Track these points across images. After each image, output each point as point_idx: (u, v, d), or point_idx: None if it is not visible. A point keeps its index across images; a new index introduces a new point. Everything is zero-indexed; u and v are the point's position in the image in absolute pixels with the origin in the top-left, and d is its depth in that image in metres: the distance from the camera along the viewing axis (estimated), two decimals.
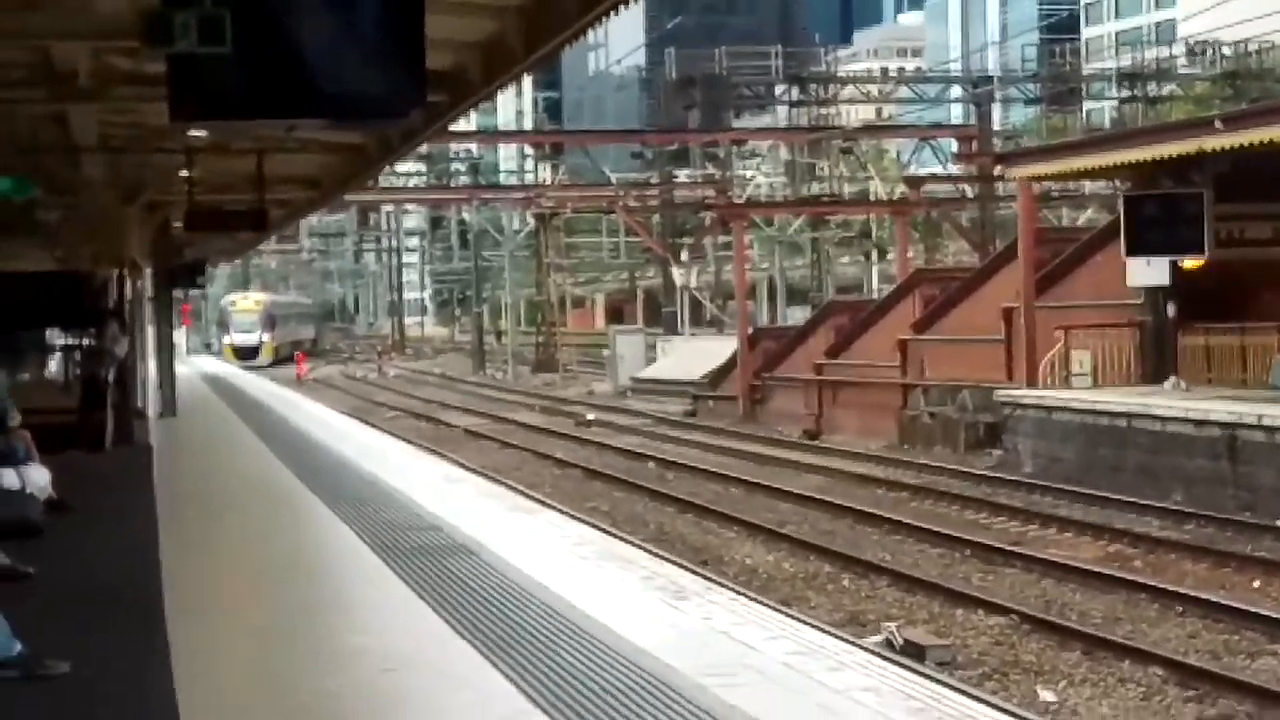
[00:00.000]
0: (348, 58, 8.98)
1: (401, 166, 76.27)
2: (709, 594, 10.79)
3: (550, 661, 8.65)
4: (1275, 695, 13.67)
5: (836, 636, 9.95)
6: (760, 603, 11.20)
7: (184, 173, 22.19)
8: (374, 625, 9.92)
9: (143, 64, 14.69)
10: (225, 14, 8.29)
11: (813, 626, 10.33)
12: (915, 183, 60.70)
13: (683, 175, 75.41)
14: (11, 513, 12.82)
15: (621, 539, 14.69)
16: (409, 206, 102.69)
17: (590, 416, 46.64)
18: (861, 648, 9.63)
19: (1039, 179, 35.96)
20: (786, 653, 8.83)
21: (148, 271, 33.20)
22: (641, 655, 8.75)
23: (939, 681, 8.70)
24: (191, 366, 55.34)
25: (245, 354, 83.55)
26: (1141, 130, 37.13)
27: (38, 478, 13.93)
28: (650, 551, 13.72)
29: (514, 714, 7.76)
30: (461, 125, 59.87)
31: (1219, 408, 25.62)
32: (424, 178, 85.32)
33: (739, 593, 11.63)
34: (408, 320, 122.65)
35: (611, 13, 11.65)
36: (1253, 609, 17.16)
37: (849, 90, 74.18)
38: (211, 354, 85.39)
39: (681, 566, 12.68)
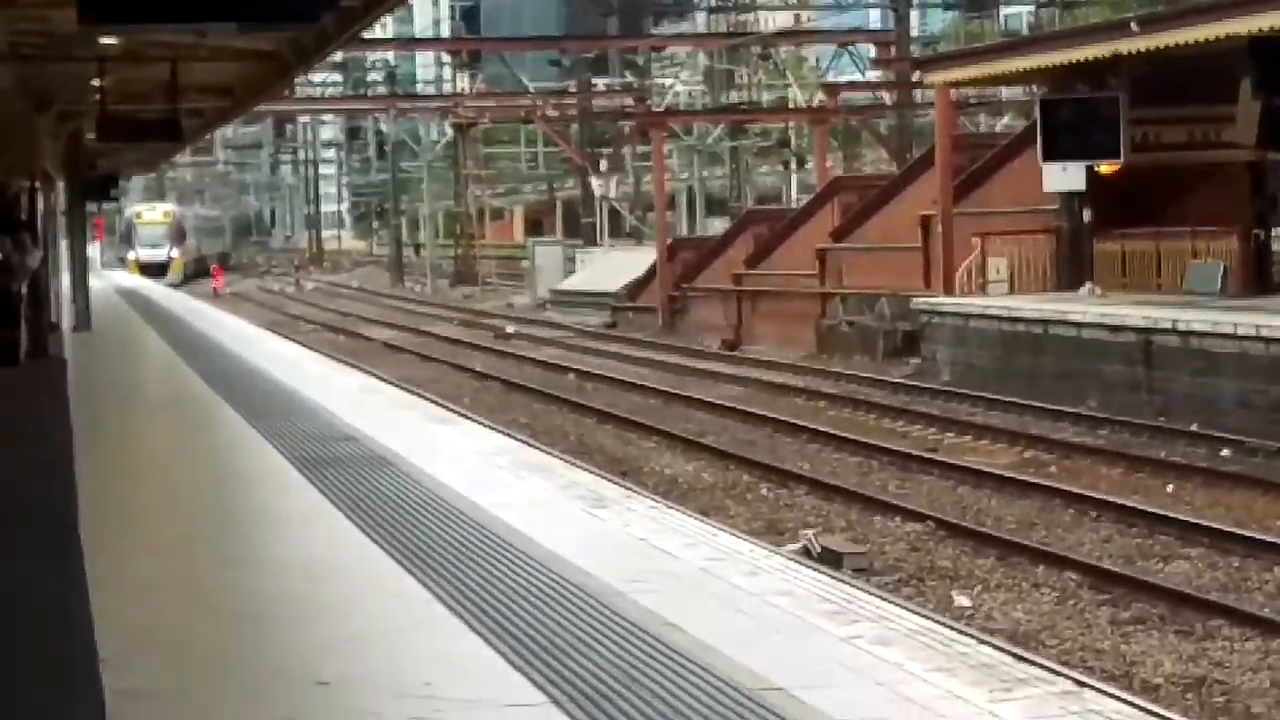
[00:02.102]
0: None
1: (317, 76, 75.61)
2: (628, 502, 10.80)
3: (468, 568, 8.64)
4: (1187, 598, 13.82)
5: (754, 543, 9.96)
6: (679, 511, 11.21)
7: (96, 81, 21.83)
8: (293, 536, 9.89)
9: None
10: None
11: (731, 534, 10.35)
12: (834, 90, 60.59)
13: (601, 84, 75.03)
14: None
15: (541, 450, 14.65)
16: (326, 118, 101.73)
17: (510, 329, 46.57)
18: (779, 554, 9.65)
19: (956, 84, 35.94)
20: (704, 559, 8.85)
21: (60, 185, 32.82)
22: (558, 562, 8.76)
23: (854, 585, 8.73)
24: (106, 281, 54.87)
25: (152, 271, 77.05)
26: (1058, 34, 37.16)
27: None
28: (570, 461, 13.69)
29: (432, 618, 7.76)
30: (377, 33, 59.44)
31: (1134, 313, 25.80)
32: (340, 88, 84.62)
33: (658, 501, 11.62)
34: (325, 233, 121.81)
35: None
36: (1166, 513, 17.33)
37: None
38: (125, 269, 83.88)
39: (601, 476, 12.67)
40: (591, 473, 12.85)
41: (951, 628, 7.75)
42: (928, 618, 7.88)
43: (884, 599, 8.46)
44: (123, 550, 9.52)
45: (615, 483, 12.41)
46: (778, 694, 6.46)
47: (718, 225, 70.34)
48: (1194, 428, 22.77)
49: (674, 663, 6.89)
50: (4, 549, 9.30)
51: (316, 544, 9.57)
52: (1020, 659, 7.16)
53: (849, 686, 6.59)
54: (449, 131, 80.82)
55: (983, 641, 7.41)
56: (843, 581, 8.92)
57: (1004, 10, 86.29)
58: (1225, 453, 21.29)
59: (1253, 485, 19.08)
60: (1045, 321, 27.64)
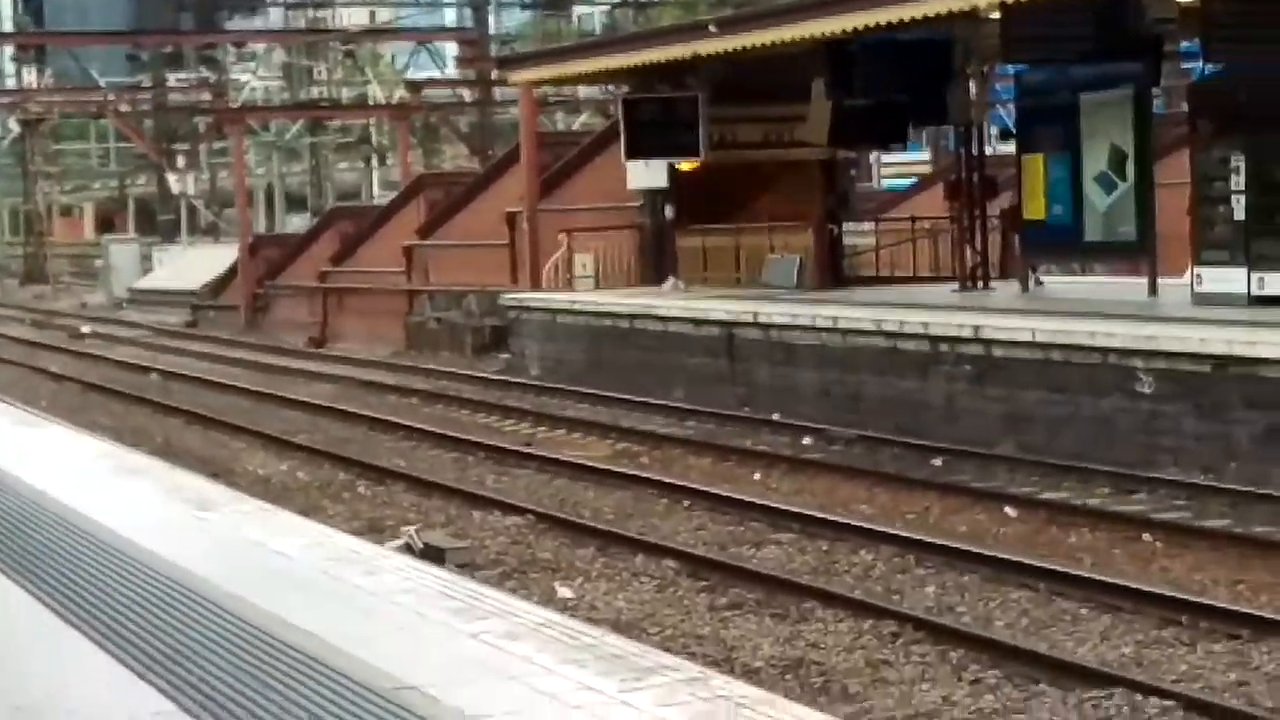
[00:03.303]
0: None
1: None
2: (237, 504, 10.65)
3: (76, 577, 8.41)
4: (781, 582, 14.25)
5: (370, 544, 9.93)
6: (291, 513, 11.10)
7: None
8: None
9: None
10: None
11: (347, 534, 10.30)
12: (416, 87, 60.64)
13: (176, 79, 73.43)
14: None
15: (141, 453, 14.31)
16: None
17: (85, 329, 45.29)
18: (398, 554, 9.64)
19: (540, 83, 36.36)
20: (322, 559, 8.79)
21: None
22: (172, 568, 8.59)
23: (477, 582, 8.79)
24: None
25: None
26: (639, 34, 37.88)
27: None
28: (172, 464, 13.41)
29: (45, 631, 7.52)
30: None
31: (716, 306, 26.48)
32: None
33: (268, 504, 11.48)
34: None
35: None
36: (755, 500, 17.86)
37: None
38: None
39: (209, 478, 12.45)
40: (196, 475, 12.61)
41: (577, 620, 7.87)
42: (557, 612, 7.98)
43: (507, 595, 8.54)
44: None
45: (221, 485, 12.21)
46: (412, 693, 6.47)
47: (297, 222, 69.68)
48: (776, 417, 23.50)
49: (305, 665, 6.84)
50: None
51: None
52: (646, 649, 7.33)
53: (483, 682, 6.64)
54: (15, 127, 78.00)
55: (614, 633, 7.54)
56: (464, 578, 8.97)
57: (578, 10, 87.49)
58: (807, 441, 22.02)
59: (834, 472, 19.80)
60: (631, 316, 28.17)
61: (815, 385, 23.75)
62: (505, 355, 32.29)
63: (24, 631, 7.57)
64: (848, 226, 31.53)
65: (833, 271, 29.45)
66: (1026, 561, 14.34)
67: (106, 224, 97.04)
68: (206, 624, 7.53)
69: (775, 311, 25.09)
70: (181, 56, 74.77)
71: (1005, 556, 14.61)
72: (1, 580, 8.43)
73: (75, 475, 11.79)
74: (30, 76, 71.34)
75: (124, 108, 69.08)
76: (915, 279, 29.55)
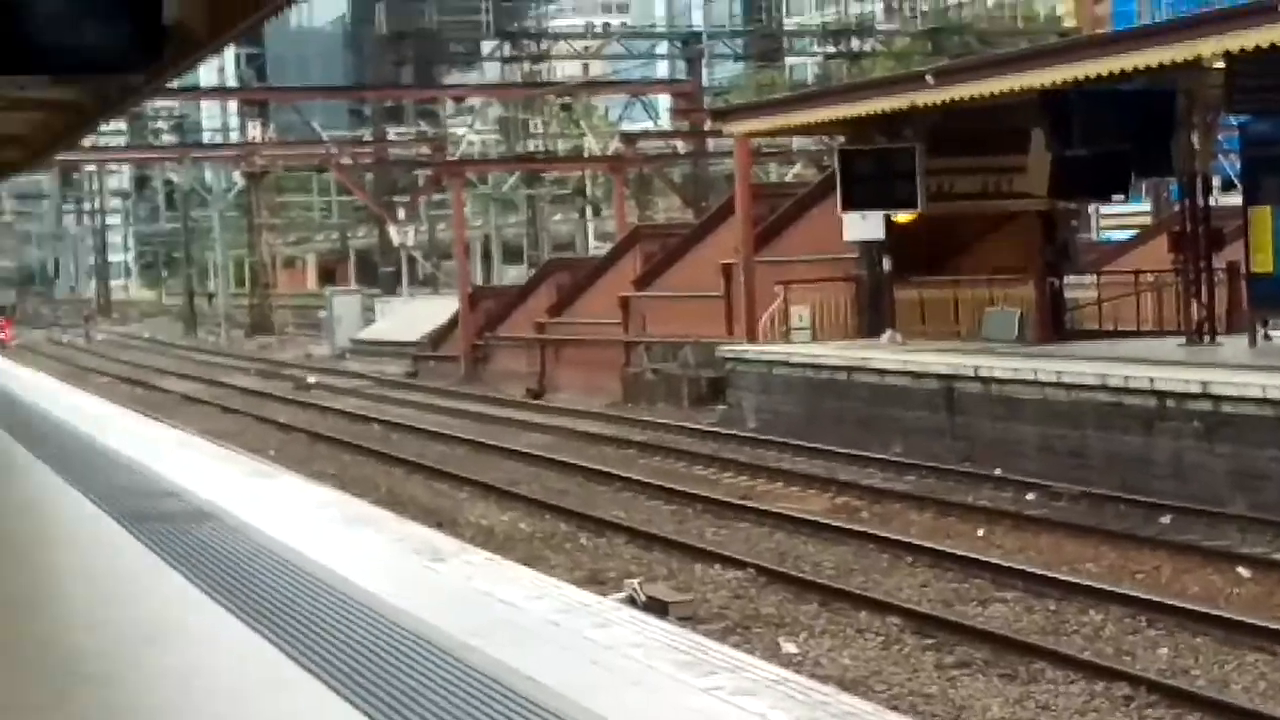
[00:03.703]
0: (78, 10, 8.67)
1: (104, 125, 74.32)
2: (464, 554, 10.72)
3: (311, 625, 8.50)
4: (1009, 641, 14.04)
5: (599, 596, 9.94)
6: (519, 564, 11.16)
7: None
8: (125, 595, 9.65)
9: None
10: None
11: (574, 586, 10.32)
12: (631, 139, 61.05)
13: (394, 133, 74.80)
14: None
15: (367, 502, 14.51)
16: (112, 166, 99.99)
17: (311, 380, 46.11)
18: (626, 606, 9.64)
19: (756, 134, 36.41)
20: (552, 611, 8.80)
21: None
22: (404, 616, 8.65)
23: (704, 636, 8.75)
24: None
25: None
26: (856, 85, 37.82)
27: None
28: (397, 514, 13.58)
29: (281, 680, 7.61)
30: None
31: (936, 360, 26.24)
32: (124, 137, 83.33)
33: (494, 555, 11.56)
34: (111, 284, 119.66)
35: None
36: (979, 557, 17.64)
37: (560, 46, 74.26)
38: None
39: (434, 528, 12.57)
40: (422, 525, 12.74)
41: (812, 677, 7.79)
42: (785, 668, 7.90)
43: (734, 650, 8.48)
44: None
45: (447, 534, 12.31)
46: None
47: (513, 274, 70.42)
48: (998, 472, 23.19)
49: (538, 716, 6.84)
50: None
51: (154, 602, 9.36)
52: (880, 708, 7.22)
53: None
54: (240, 180, 79.95)
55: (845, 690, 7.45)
56: (690, 632, 8.93)
57: (790, 61, 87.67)
58: (1030, 497, 21.70)
59: (1060, 529, 19.49)
60: (849, 368, 28.01)
61: (1037, 440, 23.42)
62: (722, 407, 32.27)
63: (261, 678, 7.68)
64: (1069, 279, 31.07)
65: (1054, 325, 29.03)
66: (1262, 624, 13.97)
67: (328, 275, 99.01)
68: (440, 672, 7.57)
69: (996, 365, 24.81)
70: (401, 110, 76.23)
71: (1240, 618, 14.26)
72: (238, 626, 8.55)
73: (307, 524, 11.95)
74: (255, 130, 73.08)
75: (345, 161, 70.49)
76: (1139, 333, 29.04)
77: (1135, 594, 15.48)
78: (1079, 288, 32.76)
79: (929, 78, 28.18)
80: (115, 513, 12.41)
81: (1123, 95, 25.59)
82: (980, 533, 19.67)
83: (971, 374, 25.08)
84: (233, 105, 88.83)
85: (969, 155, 30.11)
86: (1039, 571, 16.72)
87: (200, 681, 7.69)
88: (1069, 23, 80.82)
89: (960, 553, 17.90)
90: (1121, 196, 33.86)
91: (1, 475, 15.87)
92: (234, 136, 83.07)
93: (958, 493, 22.38)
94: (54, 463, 15.81)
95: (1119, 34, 30.64)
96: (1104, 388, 22.35)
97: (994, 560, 17.45)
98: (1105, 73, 23.50)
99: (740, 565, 17.74)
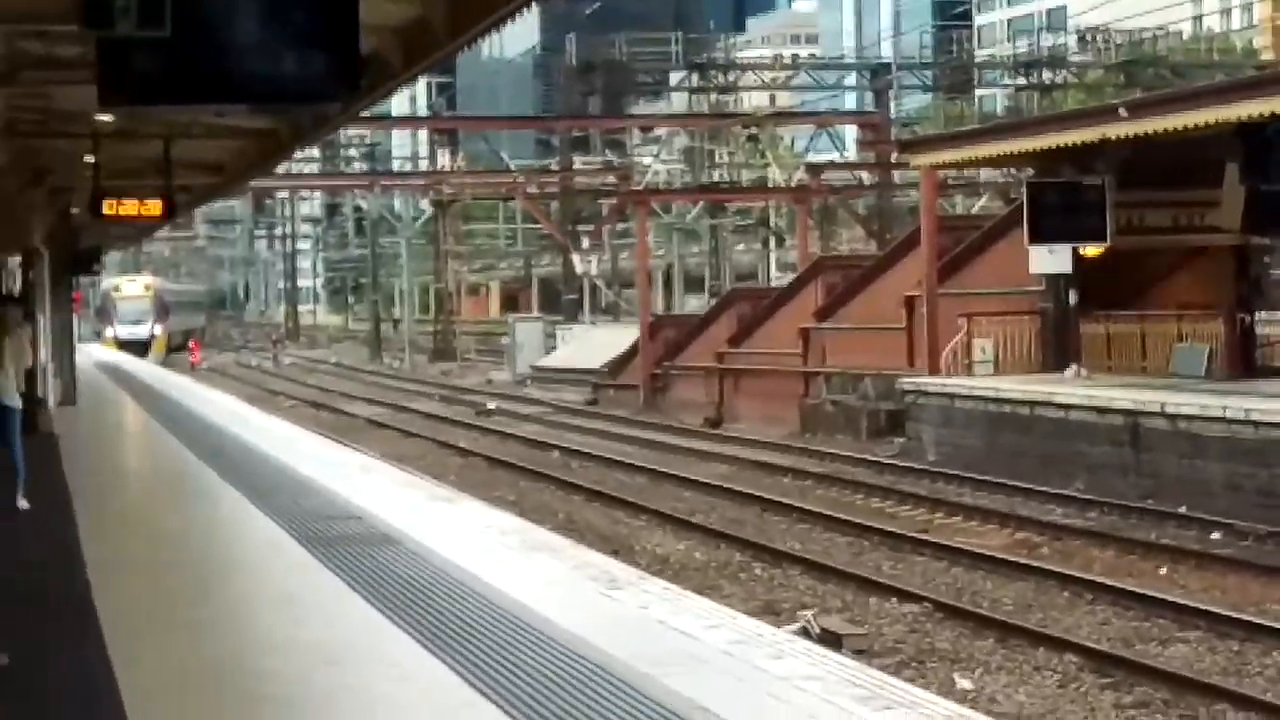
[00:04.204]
0: (280, 41, 8.90)
1: (297, 153, 75.76)
2: (641, 583, 10.79)
3: (491, 652, 8.61)
4: (1190, 682, 13.82)
5: (774, 627, 9.95)
6: (694, 594, 11.20)
7: (89, 158, 21.86)
8: (310, 617, 9.84)
9: (54, 47, 14.48)
10: None
11: (749, 617, 10.35)
12: (816, 170, 60.99)
13: (580, 162, 75.35)
14: None
15: (546, 529, 14.64)
16: (304, 193, 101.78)
17: (491, 405, 46.50)
18: (801, 638, 9.64)
19: (943, 166, 36.22)
20: (727, 641, 8.84)
21: (45, 258, 32.75)
22: (581, 644, 8.74)
23: (881, 671, 8.73)
24: (84, 355, 54.65)
25: (132, 349, 68.26)
26: (1046, 118, 37.49)
27: None
28: (575, 541, 13.69)
29: (461, 705, 7.72)
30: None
31: (1121, 395, 25.89)
32: (318, 164, 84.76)
33: (670, 585, 11.62)
34: (300, 308, 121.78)
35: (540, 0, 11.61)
36: (1162, 596, 17.37)
37: (748, 77, 74.38)
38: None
39: (611, 555, 12.66)
40: (600, 553, 12.84)
41: (988, 713, 7.74)
42: (960, 704, 7.86)
43: (910, 685, 8.45)
44: (142, 633, 9.47)
45: (624, 563, 12.39)
46: None
47: (695, 303, 70.56)
48: (1183, 510, 22.82)
49: None
50: (23, 632, 9.24)
51: (337, 625, 9.53)
52: None
53: None
54: (427, 207, 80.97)
55: None
56: (865, 665, 8.91)
57: (979, 92, 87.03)
58: (1215, 536, 21.32)
59: (1245, 568, 19.12)
60: (1032, 403, 27.71)
61: (1224, 478, 23.01)
62: (901, 439, 32.07)
63: (441, 702, 7.79)
64: (1260, 315, 30.52)
65: (1244, 361, 28.53)
66: None
67: (511, 302, 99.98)
68: (617, 702, 7.64)
69: (1183, 402, 24.43)
70: (588, 140, 76.77)
71: None
72: (419, 650, 8.68)
73: (487, 550, 12.10)
74: (444, 159, 73.98)
75: (532, 190, 71.11)
76: None
77: None
78: (1271, 324, 32.18)
79: (1122, 110, 27.87)
80: (300, 535, 12.66)
81: None
82: (1163, 571, 19.37)
83: (1158, 410, 24.72)
84: (423, 134, 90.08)
85: (1160, 189, 29.72)
86: (1223, 612, 16.43)
87: (380, 705, 7.82)
88: (1266, 55, 79.57)
89: (1142, 591, 17.62)
90: None
91: (191, 497, 16.23)
92: (423, 165, 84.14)
93: (1140, 530, 22.04)
94: (241, 485, 16.15)
95: None
96: None
97: (1177, 599, 17.16)
98: None
99: (916, 599, 17.62)
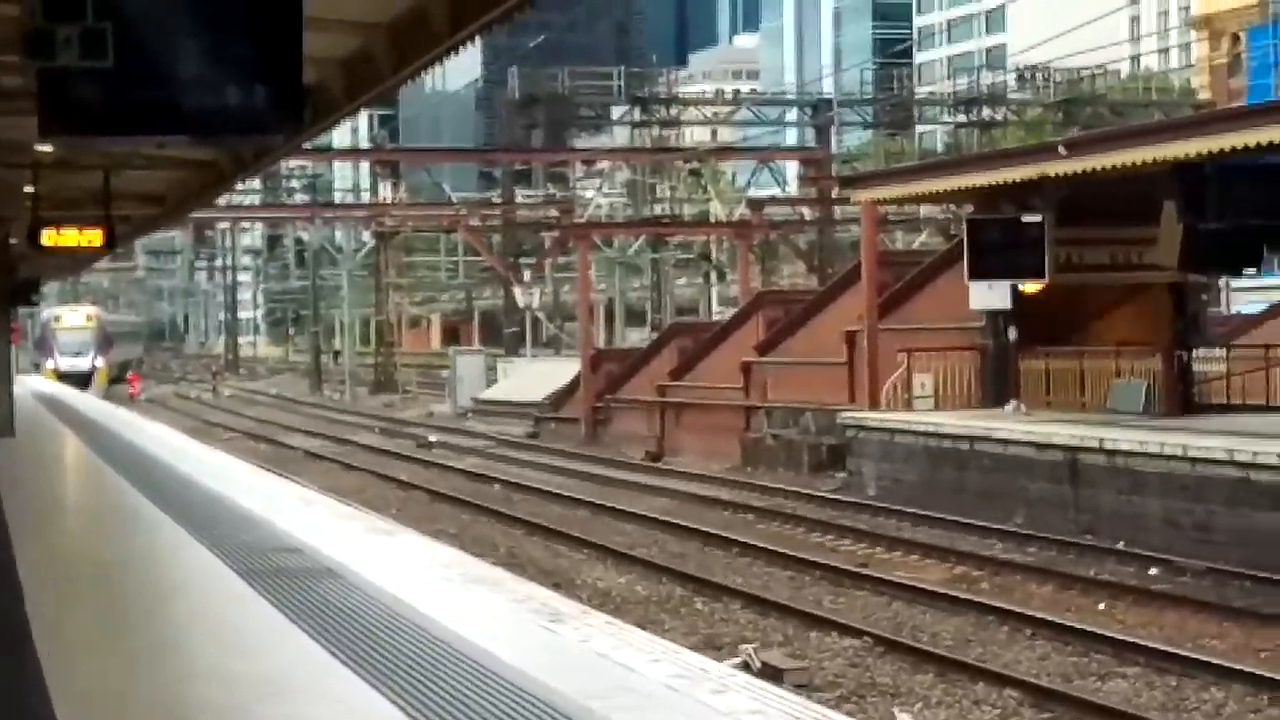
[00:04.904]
0: (222, 72, 8.88)
1: (238, 184, 75.49)
2: (583, 617, 10.76)
3: (432, 686, 8.56)
4: (1128, 716, 13.89)
5: (717, 661, 9.95)
6: (637, 628, 11.19)
7: (28, 188, 21.74)
8: (247, 649, 9.77)
9: None
10: (108, 27, 8.18)
11: (693, 651, 10.33)
12: (758, 205, 61.22)
13: (523, 195, 75.41)
14: None
15: (487, 562, 14.61)
16: (245, 224, 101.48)
17: (432, 438, 46.44)
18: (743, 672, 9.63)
19: (884, 202, 36.43)
20: (670, 675, 8.82)
21: None
22: (524, 679, 8.70)
23: (826, 706, 8.73)
24: (22, 386, 54.19)
25: (73, 380, 65.50)
26: (986, 155, 37.76)
27: None
28: (516, 575, 13.66)
29: None
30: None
31: (1061, 431, 26.07)
32: (258, 195, 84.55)
33: (614, 618, 11.60)
34: (240, 340, 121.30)
35: (482, 33, 11.64)
36: (1101, 631, 17.48)
37: (690, 112, 74.63)
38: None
39: (553, 589, 12.64)
40: (541, 586, 12.81)
41: None
42: None
43: (851, 718, 8.45)
44: (80, 663, 9.39)
45: (566, 596, 12.36)
46: None
47: (635, 337, 70.66)
48: (1121, 546, 22.98)
49: None
50: None
51: (277, 658, 9.47)
52: None
53: None
54: (369, 239, 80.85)
55: None
56: (806, 699, 8.91)
57: (919, 129, 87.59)
58: (1153, 571, 21.49)
59: (1183, 604, 19.28)
60: (972, 438, 27.87)
61: (1162, 514, 23.17)
62: (842, 474, 32.19)
63: None
64: (1198, 352, 30.75)
65: (1182, 398, 28.74)
66: None
67: (452, 335, 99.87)
68: None
69: (1122, 438, 24.61)
70: (531, 173, 76.83)
71: None
72: (359, 684, 8.63)
73: (428, 583, 12.05)
74: (386, 191, 73.93)
75: (474, 222, 71.11)
76: (1270, 408, 28.65)
77: (1259, 672, 15.26)
78: (1208, 360, 32.39)
79: (1062, 148, 28.12)
80: (239, 567, 12.57)
81: (1258, 169, 25.40)
82: (1102, 606, 19.49)
83: (1096, 445, 24.89)
84: (365, 165, 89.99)
85: (1098, 226, 29.96)
86: (1161, 647, 16.55)
87: None
88: (1204, 95, 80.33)
89: (1081, 626, 17.75)
90: (1254, 270, 33.60)
91: (127, 527, 16.11)
92: (365, 196, 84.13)
93: (1080, 566, 22.19)
94: (179, 516, 16.04)
95: (1255, 107, 30.42)
96: (1231, 462, 22.10)
97: (1115, 635, 17.29)
98: (1241, 145, 23.32)
99: (857, 634, 17.69)
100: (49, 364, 72.92)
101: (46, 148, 17.90)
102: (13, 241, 28.82)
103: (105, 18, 8.23)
